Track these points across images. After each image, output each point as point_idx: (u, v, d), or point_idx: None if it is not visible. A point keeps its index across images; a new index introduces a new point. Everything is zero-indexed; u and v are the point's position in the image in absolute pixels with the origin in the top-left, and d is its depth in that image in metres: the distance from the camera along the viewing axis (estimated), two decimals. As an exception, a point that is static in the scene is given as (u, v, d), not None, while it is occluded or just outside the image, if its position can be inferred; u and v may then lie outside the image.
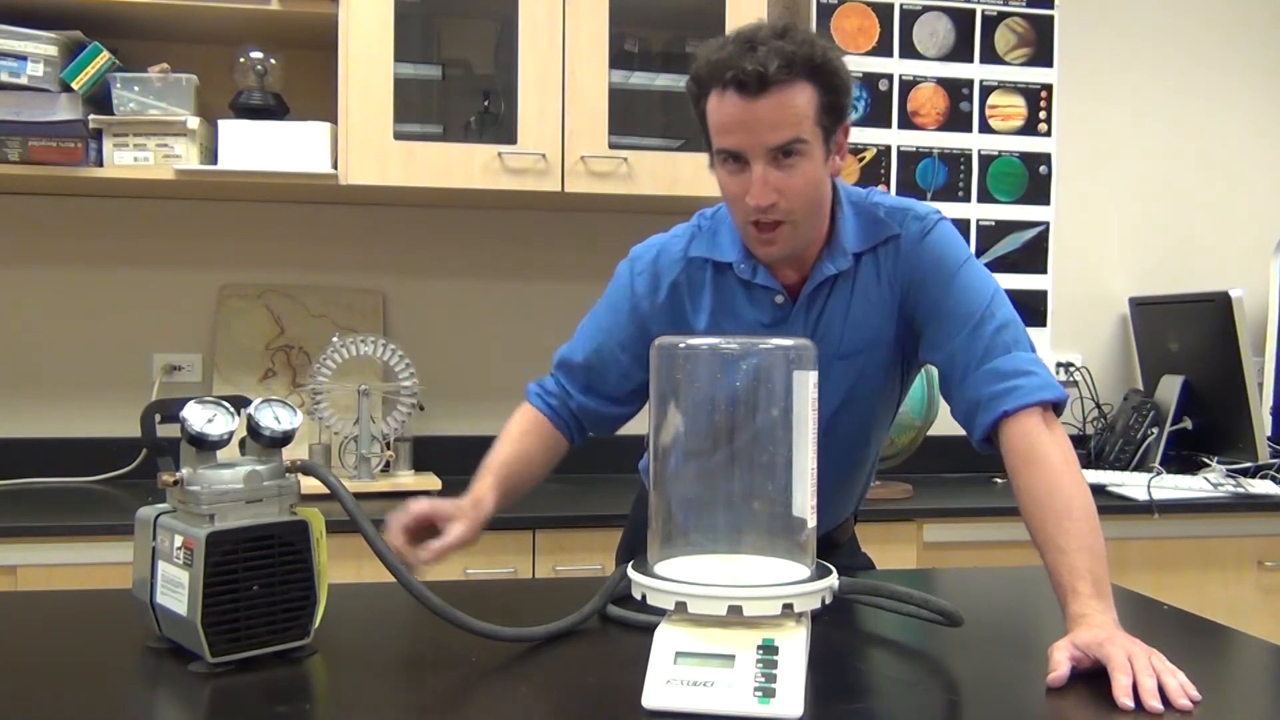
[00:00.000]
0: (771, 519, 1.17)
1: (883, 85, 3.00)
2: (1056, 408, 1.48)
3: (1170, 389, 2.91)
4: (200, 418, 1.19)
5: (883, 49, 2.99)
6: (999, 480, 2.88)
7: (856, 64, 2.98)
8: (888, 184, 3.01)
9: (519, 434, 1.62)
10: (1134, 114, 3.19)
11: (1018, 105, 3.08)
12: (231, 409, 1.21)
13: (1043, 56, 3.08)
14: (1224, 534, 2.57)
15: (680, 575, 1.12)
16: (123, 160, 2.37)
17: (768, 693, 1.04)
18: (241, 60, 2.51)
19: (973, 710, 1.11)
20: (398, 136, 2.41)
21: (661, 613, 1.12)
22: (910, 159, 3.02)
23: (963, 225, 3.06)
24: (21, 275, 2.65)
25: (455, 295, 2.84)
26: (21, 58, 2.30)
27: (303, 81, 2.56)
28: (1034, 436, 1.39)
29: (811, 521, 1.16)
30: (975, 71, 3.05)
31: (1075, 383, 3.13)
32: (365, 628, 1.41)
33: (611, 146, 2.48)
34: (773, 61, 1.33)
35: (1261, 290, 3.10)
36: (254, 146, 2.39)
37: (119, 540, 1.94)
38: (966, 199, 3.06)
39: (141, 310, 2.70)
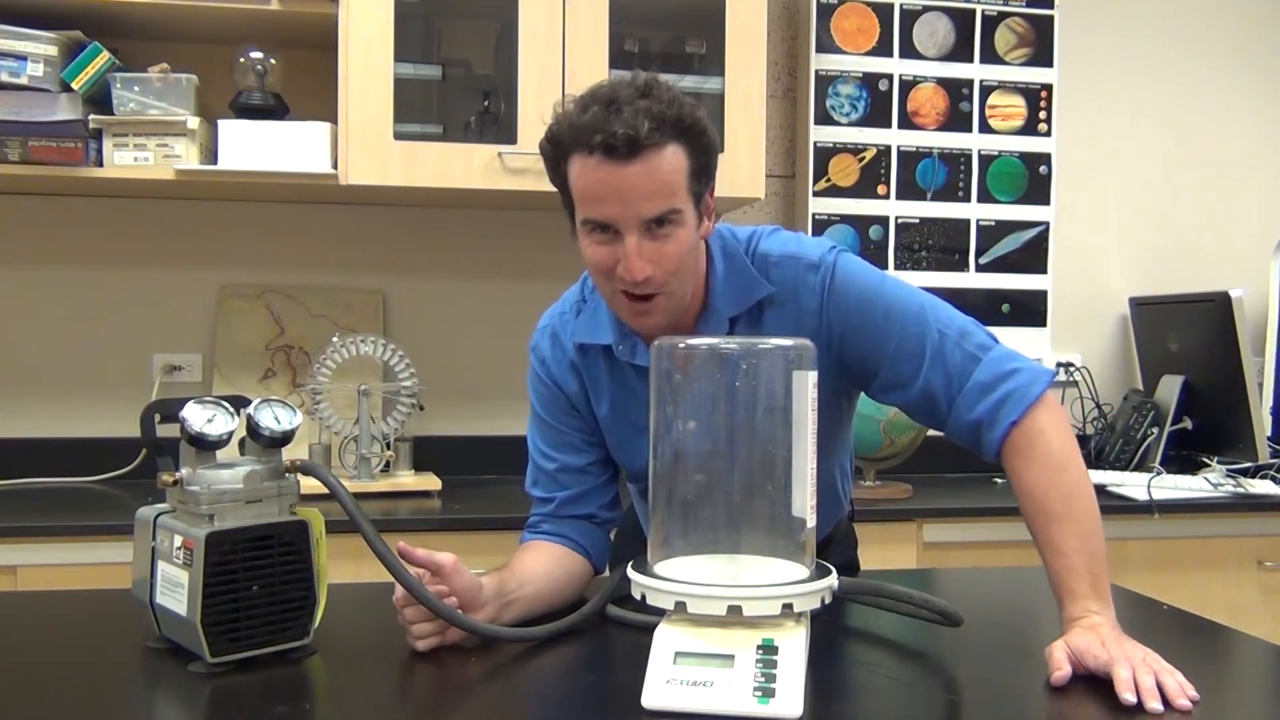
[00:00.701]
0: (771, 519, 1.17)
1: (883, 85, 3.00)
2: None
3: (1170, 389, 2.91)
4: (200, 418, 1.19)
5: (883, 49, 2.99)
6: (999, 480, 2.88)
7: (856, 64, 2.98)
8: (887, 184, 3.01)
9: (541, 562, 1.46)
10: (1134, 114, 3.19)
11: (1018, 105, 3.08)
12: (231, 409, 1.22)
13: (1043, 56, 3.08)
14: (1224, 534, 2.57)
15: (680, 575, 1.12)
16: (123, 160, 2.37)
17: (767, 693, 1.04)
18: (241, 60, 2.51)
19: (973, 710, 1.11)
20: (398, 136, 2.41)
21: (661, 613, 1.12)
22: (910, 159, 3.02)
23: (963, 225, 3.06)
24: (21, 275, 2.65)
25: (455, 295, 2.84)
26: (21, 58, 2.30)
27: (303, 81, 2.56)
28: (1034, 434, 1.32)
29: (811, 521, 1.16)
30: (975, 71, 3.05)
31: (1075, 383, 3.13)
32: (365, 628, 1.41)
33: (611, 146, 2.48)
34: (642, 124, 1.24)
35: (1261, 290, 3.10)
36: (254, 146, 2.39)
37: (119, 540, 1.94)
38: (966, 199, 3.06)
39: (141, 310, 2.70)
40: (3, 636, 1.36)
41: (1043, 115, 3.10)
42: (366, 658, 1.26)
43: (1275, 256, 3.10)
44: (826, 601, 1.13)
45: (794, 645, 1.07)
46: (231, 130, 2.39)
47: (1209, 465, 2.79)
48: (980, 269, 3.07)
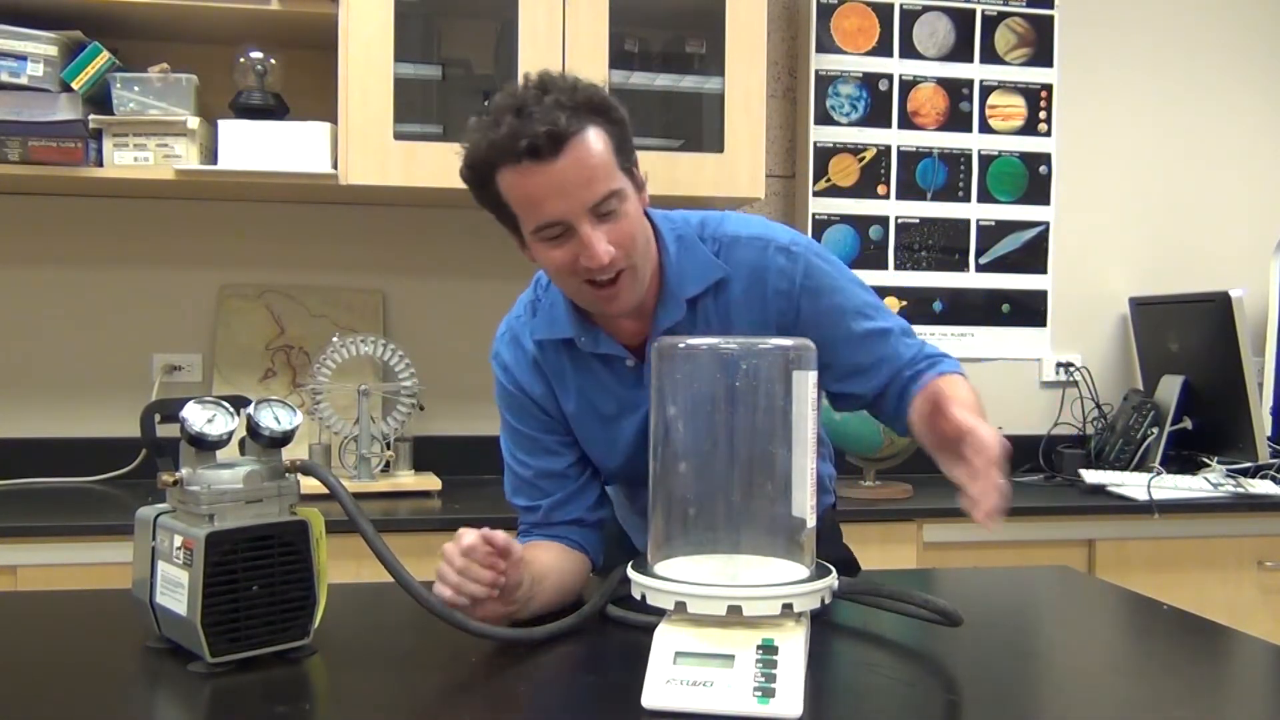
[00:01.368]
0: (771, 519, 1.17)
1: (883, 85, 3.00)
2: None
3: (1170, 389, 2.91)
4: (200, 418, 1.19)
5: (883, 49, 2.99)
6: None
7: (856, 64, 2.98)
8: (887, 184, 3.01)
9: (554, 558, 1.46)
10: (1134, 114, 3.19)
11: (1018, 105, 3.08)
12: (231, 409, 1.21)
13: (1043, 56, 3.09)
14: (1224, 534, 2.57)
15: (680, 575, 1.12)
16: (123, 160, 2.37)
17: (767, 693, 1.04)
18: (241, 60, 2.51)
19: (973, 710, 1.11)
20: (398, 136, 2.41)
21: (661, 613, 1.12)
22: (910, 159, 3.02)
23: (963, 225, 3.06)
24: (21, 275, 2.65)
25: (455, 295, 2.84)
26: (21, 58, 2.30)
27: (303, 81, 2.56)
28: (955, 379, 1.41)
29: (811, 521, 1.16)
30: (975, 71, 3.05)
31: (1075, 383, 3.13)
32: (365, 628, 1.41)
33: (611, 146, 2.48)
34: (558, 116, 1.26)
35: (1261, 290, 3.10)
36: (254, 146, 2.39)
37: (119, 540, 1.94)
38: (966, 199, 3.06)
39: (141, 310, 2.70)
40: (3, 636, 1.36)
41: (1043, 115, 3.10)
42: (366, 658, 1.26)
43: (1275, 256, 3.10)
44: (826, 601, 1.13)
45: (794, 645, 1.07)
46: (231, 130, 2.39)
47: (1209, 465, 2.79)
48: (980, 269, 3.07)
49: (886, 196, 3.01)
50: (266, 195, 2.66)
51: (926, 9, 3.01)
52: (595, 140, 1.30)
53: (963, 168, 3.06)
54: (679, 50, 2.72)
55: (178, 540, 1.18)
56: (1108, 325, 3.20)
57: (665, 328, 1.43)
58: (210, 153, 2.44)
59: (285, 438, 1.22)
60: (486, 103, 2.73)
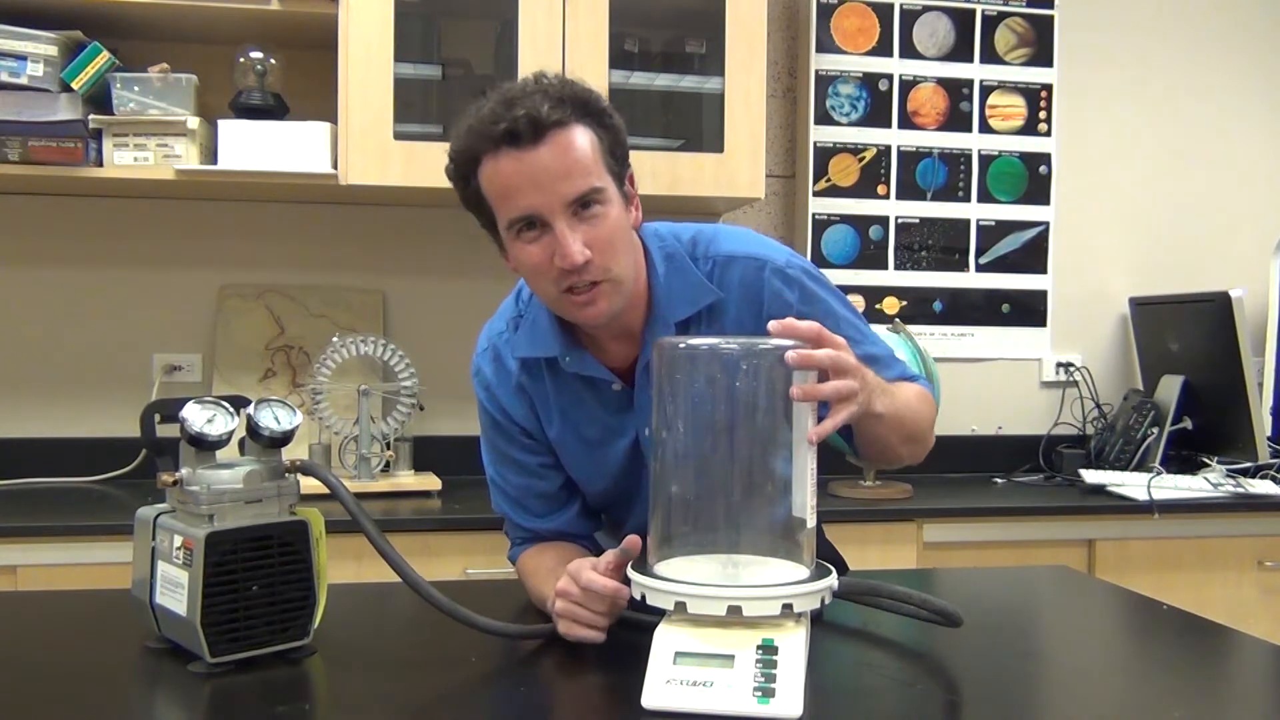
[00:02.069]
0: (771, 519, 1.17)
1: (883, 85, 3.00)
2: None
3: (1170, 389, 2.91)
4: (200, 418, 1.19)
5: (883, 49, 2.99)
6: (999, 480, 2.89)
7: (856, 64, 2.98)
8: (887, 184, 3.01)
9: (576, 554, 1.43)
10: (1134, 114, 3.19)
11: (1018, 105, 3.08)
12: (231, 409, 1.21)
13: (1043, 56, 3.09)
14: (1224, 534, 2.57)
15: (680, 575, 1.12)
16: (123, 160, 2.37)
17: (767, 693, 1.04)
18: (241, 60, 2.51)
19: (973, 710, 1.11)
20: (398, 136, 2.41)
21: (661, 612, 1.12)
22: (910, 159, 3.02)
23: (963, 225, 3.06)
24: (21, 275, 2.65)
25: (455, 295, 2.83)
26: (21, 58, 2.30)
27: (303, 81, 2.56)
28: (920, 388, 1.44)
29: (811, 521, 1.15)
30: (975, 71, 3.05)
31: (1075, 383, 3.13)
32: (365, 628, 1.41)
33: (611, 146, 2.48)
34: (541, 104, 1.22)
35: (1261, 290, 3.10)
36: (254, 146, 2.39)
37: (119, 540, 1.94)
38: (966, 199, 3.06)
39: (141, 310, 2.70)
40: (3, 636, 1.36)
41: (1043, 115, 3.10)
42: (366, 658, 1.26)
43: (1275, 256, 3.10)
44: (826, 602, 1.13)
45: (794, 645, 1.07)
46: (231, 130, 2.39)
47: (1209, 465, 2.79)
48: (980, 269, 3.07)
49: (886, 196, 3.01)
50: (266, 195, 2.66)
51: (926, 9, 3.01)
52: (580, 136, 1.26)
53: (963, 168, 3.06)
54: (679, 50, 2.72)
55: (178, 540, 1.18)
56: (1108, 325, 3.20)
57: None
58: (210, 153, 2.44)
59: (285, 438, 1.22)
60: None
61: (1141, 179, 3.20)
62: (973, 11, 3.04)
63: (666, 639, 1.09)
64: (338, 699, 1.16)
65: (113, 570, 1.93)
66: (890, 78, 3.00)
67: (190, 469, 1.19)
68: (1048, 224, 3.11)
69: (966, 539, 2.49)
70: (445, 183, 2.46)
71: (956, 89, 3.05)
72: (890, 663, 1.27)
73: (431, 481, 2.51)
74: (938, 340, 3.04)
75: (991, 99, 3.07)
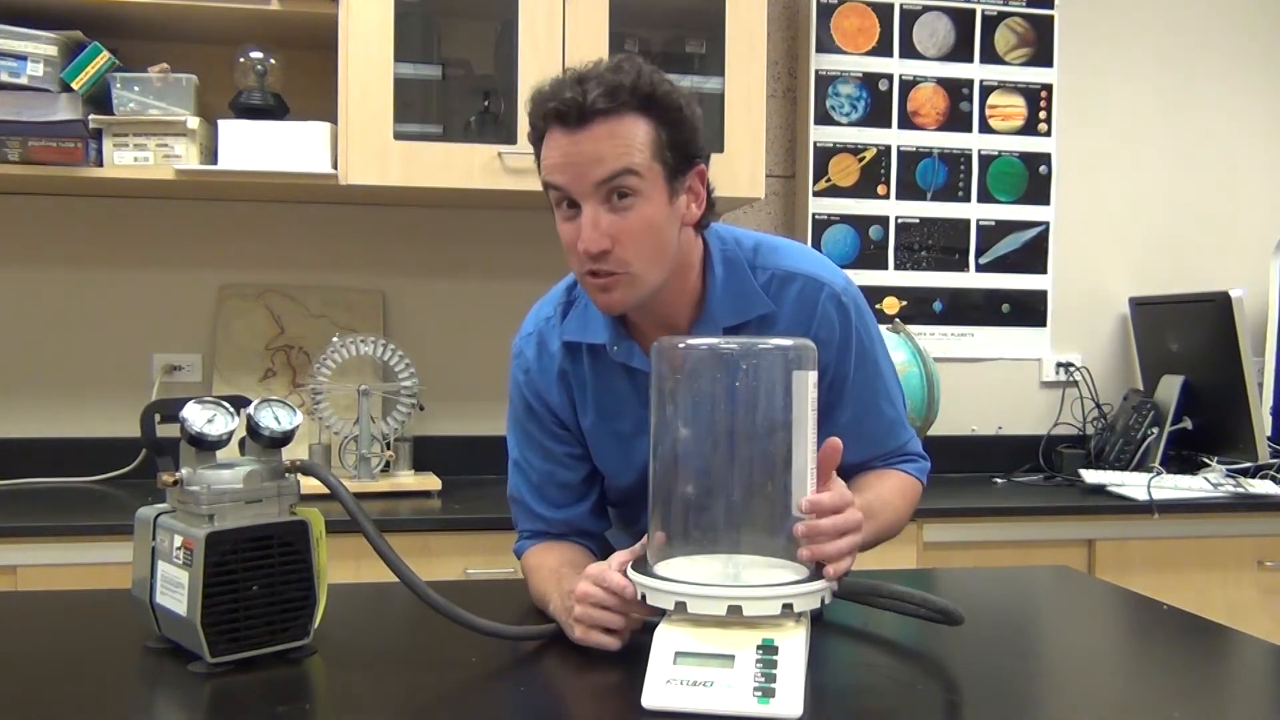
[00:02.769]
0: (771, 519, 1.17)
1: (883, 85, 3.00)
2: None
3: (1170, 389, 2.91)
4: (200, 418, 1.19)
5: (883, 49, 2.99)
6: (999, 480, 2.89)
7: (856, 64, 2.98)
8: (887, 184, 3.01)
9: (582, 555, 1.47)
10: (1134, 114, 3.19)
11: (1018, 105, 3.08)
12: (231, 409, 1.21)
13: (1043, 56, 3.09)
14: (1224, 534, 2.57)
15: (680, 575, 1.12)
16: (123, 160, 2.37)
17: (767, 693, 1.04)
18: (241, 60, 2.51)
19: (973, 710, 1.11)
20: (398, 136, 2.41)
21: (662, 613, 1.12)
22: (910, 159, 3.03)
23: (963, 225, 3.06)
24: (21, 275, 2.66)
25: (455, 295, 2.84)
26: (21, 58, 2.30)
27: (303, 81, 2.56)
28: (910, 481, 1.53)
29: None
30: (975, 71, 3.05)
31: (1075, 383, 3.13)
32: (365, 628, 1.41)
33: (611, 146, 2.47)
34: (594, 90, 1.23)
35: (1261, 290, 3.10)
36: (254, 146, 2.39)
37: (119, 540, 1.94)
38: (966, 199, 3.06)
39: (141, 310, 2.70)
40: (3, 636, 1.36)
41: (1043, 115, 3.10)
42: (366, 658, 1.26)
43: (1275, 256, 3.10)
44: (826, 601, 1.13)
45: (794, 645, 1.07)
46: (231, 130, 2.39)
47: (1209, 465, 2.80)
48: (980, 269, 3.07)
49: (886, 196, 3.01)
50: (266, 195, 2.66)
51: (926, 9, 3.01)
52: (630, 126, 1.25)
53: (963, 168, 3.06)
54: (679, 50, 2.72)
55: (178, 540, 1.18)
56: (1108, 325, 3.20)
57: None
58: (210, 153, 2.44)
59: (285, 438, 1.22)
60: (486, 103, 2.75)
61: (1141, 179, 3.20)
62: (973, 11, 3.04)
63: (666, 639, 1.09)
64: (338, 699, 1.16)
65: (113, 570, 1.93)
66: (890, 78, 3.00)
67: (190, 469, 1.19)
68: (1048, 224, 3.11)
69: (966, 539, 2.49)
70: (445, 183, 2.49)
71: (956, 89, 3.05)
72: (890, 663, 1.28)
73: (431, 481, 2.51)
74: (938, 340, 3.04)
75: (991, 99, 3.07)
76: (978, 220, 3.07)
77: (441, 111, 2.65)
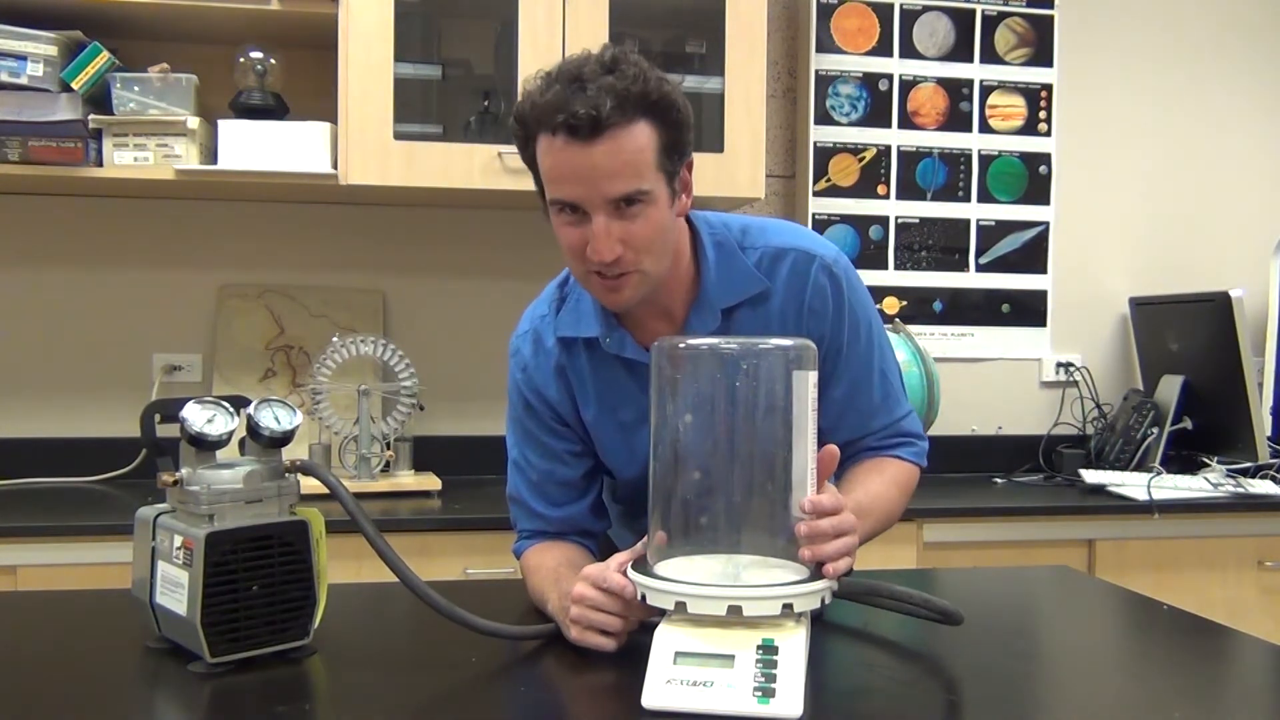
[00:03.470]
0: (771, 519, 1.17)
1: (883, 85, 3.00)
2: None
3: (1170, 389, 2.91)
4: (200, 418, 1.19)
5: (883, 49, 2.99)
6: (999, 480, 2.89)
7: (856, 64, 2.98)
8: (887, 184, 3.01)
9: (582, 556, 1.47)
10: (1134, 114, 3.19)
11: (1018, 105, 3.08)
12: (231, 409, 1.21)
13: (1043, 56, 3.09)
14: (1224, 534, 2.57)
15: (680, 575, 1.12)
16: (123, 160, 2.37)
17: (767, 693, 1.04)
18: (241, 60, 2.51)
19: (973, 710, 1.11)
20: (398, 136, 2.41)
21: (662, 612, 1.12)
22: (910, 159, 3.03)
23: (963, 225, 3.06)
24: (21, 275, 2.66)
25: (455, 295, 2.84)
26: (21, 58, 2.30)
27: (303, 81, 2.56)
28: (908, 470, 1.52)
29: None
30: (975, 71, 3.05)
31: (1075, 383, 3.13)
32: (365, 628, 1.41)
33: (611, 146, 2.48)
34: (605, 101, 1.21)
35: (1261, 290, 3.10)
36: (254, 146, 2.39)
37: (119, 540, 1.94)
38: (966, 199, 3.06)
39: (141, 310, 2.70)
40: (3, 636, 1.36)
41: (1043, 115, 3.10)
42: (367, 658, 1.26)
43: (1275, 256, 3.10)
44: (826, 602, 1.13)
45: (794, 645, 1.07)
46: (231, 130, 2.39)
47: (1209, 465, 2.80)
48: (980, 269, 3.07)
49: (886, 196, 3.01)
50: (266, 195, 2.66)
51: (926, 9, 3.01)
52: (638, 136, 1.25)
53: (963, 168, 3.06)
54: (679, 50, 2.72)
55: (178, 540, 1.18)
56: (1108, 325, 3.20)
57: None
58: (210, 153, 2.44)
59: (285, 438, 1.22)
60: (486, 103, 2.75)
61: (1141, 179, 3.20)
62: (973, 11, 3.04)
63: (667, 639, 1.09)
64: (338, 699, 1.16)
65: (113, 570, 1.93)
66: (890, 78, 3.00)
67: (190, 469, 1.19)
68: (1048, 224, 3.11)
69: (966, 539, 2.49)
70: (445, 183, 2.49)
71: (956, 89, 3.05)
72: (890, 663, 1.28)
73: (431, 481, 2.51)
74: (938, 340, 3.04)
75: (991, 99, 3.07)
76: (978, 220, 3.07)
77: (441, 111, 2.65)
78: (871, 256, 3.01)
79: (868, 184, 3.00)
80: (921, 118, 3.03)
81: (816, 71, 2.96)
